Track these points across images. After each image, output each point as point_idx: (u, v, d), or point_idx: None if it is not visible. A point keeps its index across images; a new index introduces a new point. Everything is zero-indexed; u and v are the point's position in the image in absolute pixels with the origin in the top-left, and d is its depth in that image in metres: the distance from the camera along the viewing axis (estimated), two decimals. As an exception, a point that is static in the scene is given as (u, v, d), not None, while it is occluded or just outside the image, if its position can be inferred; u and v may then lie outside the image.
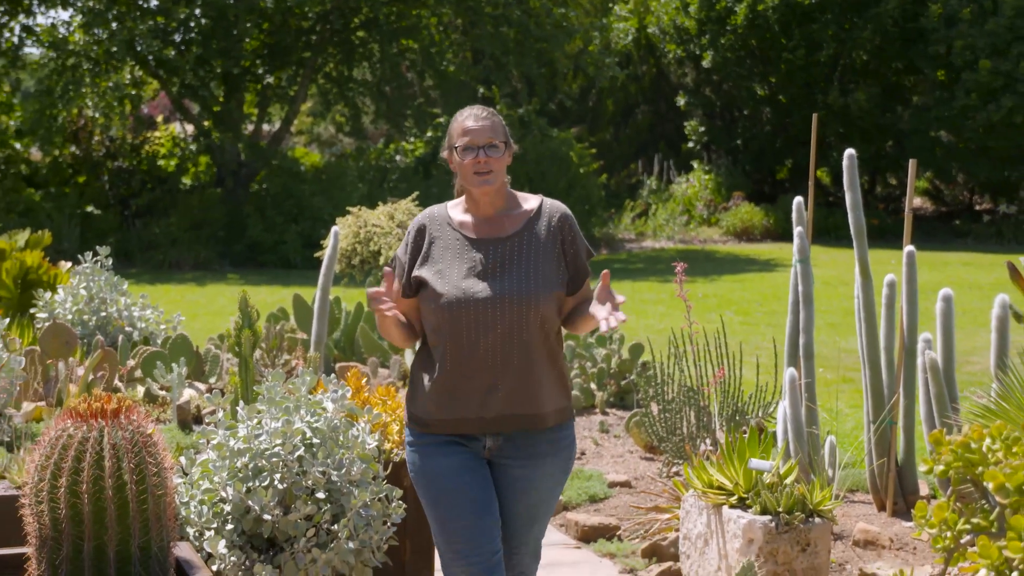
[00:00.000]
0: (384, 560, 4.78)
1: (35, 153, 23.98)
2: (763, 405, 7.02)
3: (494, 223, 3.96)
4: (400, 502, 4.75)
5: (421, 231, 4.00)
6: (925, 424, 6.12)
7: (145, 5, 22.14)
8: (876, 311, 6.23)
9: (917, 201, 26.41)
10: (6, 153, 22.88)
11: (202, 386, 7.85)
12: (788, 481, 5.13)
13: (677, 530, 5.75)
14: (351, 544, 4.56)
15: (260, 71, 23.65)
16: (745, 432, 5.98)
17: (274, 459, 4.52)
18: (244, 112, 23.94)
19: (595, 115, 28.75)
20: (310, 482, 4.52)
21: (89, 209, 22.11)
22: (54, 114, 21.70)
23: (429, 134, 23.12)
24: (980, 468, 3.51)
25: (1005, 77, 21.93)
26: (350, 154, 24.24)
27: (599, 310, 3.79)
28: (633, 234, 24.63)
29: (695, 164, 26.73)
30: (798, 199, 6.44)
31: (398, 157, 23.59)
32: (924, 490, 6.47)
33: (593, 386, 9.01)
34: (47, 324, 7.65)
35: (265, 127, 25.77)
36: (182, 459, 4.73)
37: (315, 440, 4.58)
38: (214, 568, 4.48)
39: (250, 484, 4.50)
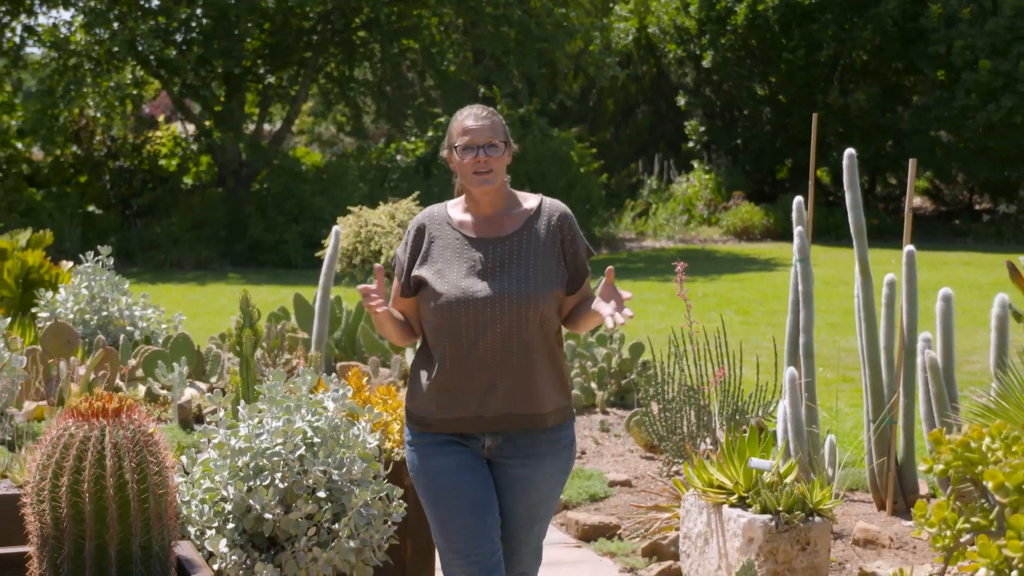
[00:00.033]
0: (385, 559, 4.78)
1: (37, 153, 23.99)
2: (763, 404, 7.03)
3: (494, 222, 3.96)
4: (401, 501, 4.76)
5: (421, 230, 4.00)
6: (925, 423, 6.13)
7: (146, 5, 22.16)
8: (876, 310, 6.24)
9: (917, 201, 26.41)
10: (8, 153, 22.90)
11: (203, 385, 7.85)
12: (788, 480, 5.14)
13: (677, 529, 5.76)
14: (352, 543, 4.57)
15: (261, 71, 23.66)
16: (745, 431, 5.98)
17: (275, 458, 4.53)
18: (245, 112, 23.96)
19: (595, 115, 28.76)
20: (311, 481, 4.53)
21: (90, 209, 22.12)
22: (55, 114, 21.71)
23: (430, 134, 23.14)
24: (980, 467, 3.52)
25: (1005, 77, 21.94)
26: (351, 154, 24.25)
27: (603, 307, 3.79)
28: (633, 234, 24.64)
29: (695, 164, 26.73)
30: (798, 199, 6.44)
31: (399, 157, 23.61)
32: (924, 489, 6.48)
33: (593, 385, 9.02)
34: (48, 323, 7.66)
35: (266, 127, 25.78)
36: (183, 458, 4.74)
37: (316, 439, 4.59)
38: (215, 567, 4.49)
39: (251, 483, 4.51)
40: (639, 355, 9.15)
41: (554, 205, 4.01)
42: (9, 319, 7.35)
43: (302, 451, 4.54)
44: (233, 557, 4.48)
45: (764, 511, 5.02)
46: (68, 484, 3.69)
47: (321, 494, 4.51)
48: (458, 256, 3.92)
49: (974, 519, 3.46)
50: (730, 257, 21.43)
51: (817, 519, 5.02)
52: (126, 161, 23.31)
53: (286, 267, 20.68)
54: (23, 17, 22.63)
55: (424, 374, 3.93)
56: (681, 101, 27.07)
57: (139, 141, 23.86)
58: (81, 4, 21.92)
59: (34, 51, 25.76)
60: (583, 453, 7.76)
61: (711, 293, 16.22)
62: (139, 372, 7.77)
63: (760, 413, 7.00)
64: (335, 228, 8.37)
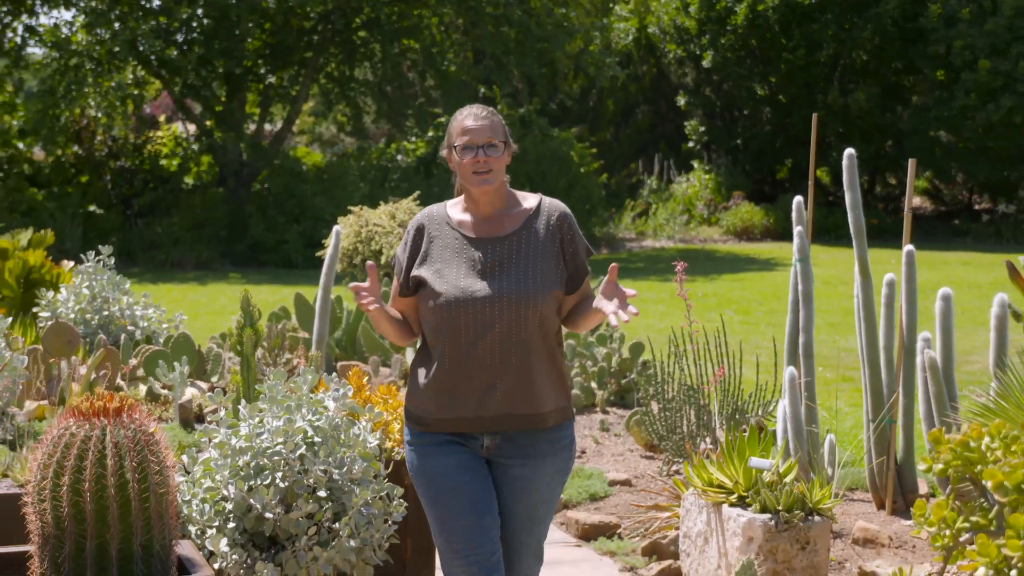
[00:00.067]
0: (385, 558, 4.80)
1: (38, 153, 24.01)
2: (763, 404, 7.04)
3: (493, 222, 3.96)
4: (401, 500, 4.77)
5: (420, 230, 4.00)
6: (924, 423, 6.13)
7: (147, 5, 22.17)
8: (875, 310, 6.25)
9: (916, 201, 26.41)
10: (9, 153, 22.92)
11: (204, 385, 7.86)
12: (788, 479, 5.15)
13: (677, 528, 5.77)
14: (352, 542, 4.58)
15: (262, 71, 23.68)
16: (745, 431, 6.00)
17: (276, 457, 4.54)
18: (246, 112, 23.97)
19: (596, 115, 28.77)
20: (311, 480, 4.53)
21: (91, 209, 22.14)
22: (57, 114, 21.73)
23: (430, 134, 23.15)
24: (979, 467, 3.53)
25: (1004, 77, 21.94)
26: (351, 154, 24.26)
27: (606, 304, 3.79)
28: (633, 233, 24.65)
29: (695, 164, 26.74)
30: (798, 198, 6.45)
31: (399, 157, 23.62)
32: (923, 488, 6.49)
33: (593, 385, 9.03)
34: (50, 323, 7.67)
35: (267, 127, 25.79)
36: (184, 458, 4.75)
37: (316, 439, 4.59)
38: (216, 566, 4.50)
39: (252, 482, 4.52)
40: (639, 355, 9.16)
41: (553, 205, 4.01)
42: (10, 319, 7.36)
43: (303, 450, 4.55)
44: (234, 556, 4.49)
45: (764, 510, 5.03)
46: (69, 483, 3.69)
47: (322, 493, 4.52)
48: (457, 256, 3.92)
49: (973, 518, 3.47)
50: (730, 257, 21.44)
51: (817, 518, 5.03)
52: (127, 161, 23.32)
53: (287, 267, 20.69)
54: (24, 17, 22.65)
55: (423, 374, 3.93)
56: (681, 101, 27.08)
57: (140, 141, 23.88)
58: (82, 4, 21.94)
59: (35, 51, 25.80)
60: (583, 452, 7.76)
61: (711, 293, 16.23)
62: (140, 372, 7.78)
63: (760, 413, 7.01)
64: (336, 228, 8.38)
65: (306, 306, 9.52)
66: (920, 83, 25.21)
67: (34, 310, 8.88)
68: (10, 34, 22.43)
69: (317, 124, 32.55)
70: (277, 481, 4.50)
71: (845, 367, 10.36)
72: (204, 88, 22.37)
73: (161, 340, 8.53)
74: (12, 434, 5.89)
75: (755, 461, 5.17)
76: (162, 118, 26.80)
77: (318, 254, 13.37)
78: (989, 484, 3.41)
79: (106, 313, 8.62)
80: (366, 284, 3.86)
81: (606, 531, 6.27)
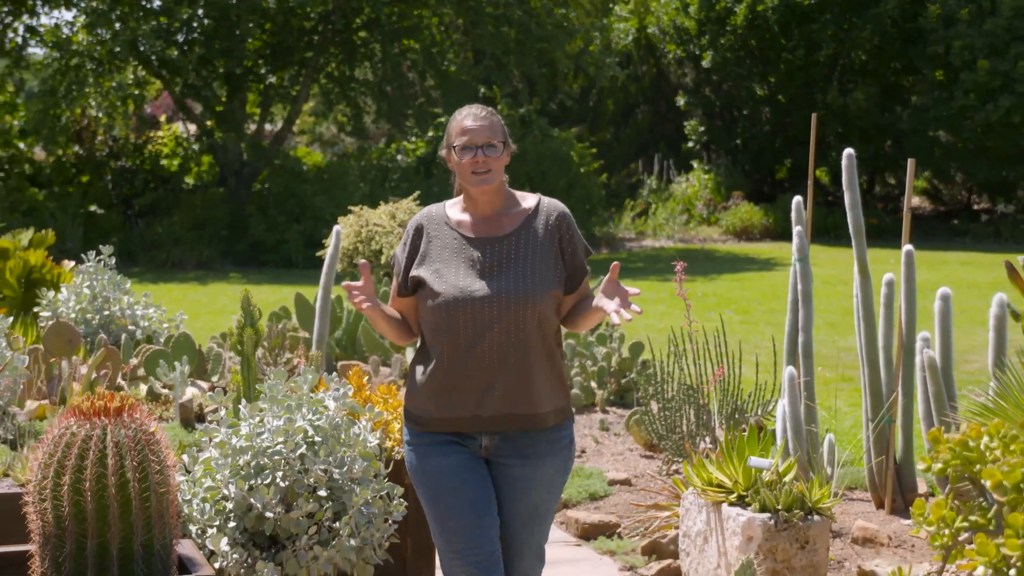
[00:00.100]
0: (385, 558, 4.80)
1: (39, 153, 24.02)
2: (762, 403, 7.05)
3: (492, 222, 3.96)
4: (401, 500, 4.78)
5: (419, 230, 4.01)
6: (923, 422, 6.14)
7: (148, 5, 22.19)
8: (875, 310, 6.26)
9: (915, 201, 26.42)
10: (10, 153, 22.93)
11: (204, 384, 7.87)
12: (787, 479, 5.16)
13: (677, 528, 5.78)
14: (353, 542, 4.59)
15: (262, 71, 23.68)
16: (744, 430, 6.01)
17: (276, 457, 4.55)
18: (247, 112, 23.98)
19: (595, 115, 28.78)
20: (312, 480, 4.54)
21: (92, 208, 22.14)
22: (57, 114, 21.75)
23: (430, 134, 23.16)
24: (978, 466, 3.53)
25: (1003, 77, 21.95)
26: (352, 154, 24.27)
27: (607, 303, 3.79)
28: (633, 233, 24.66)
29: (695, 164, 26.75)
30: (797, 198, 6.46)
31: (399, 157, 23.63)
32: (922, 488, 6.50)
33: (593, 384, 9.04)
34: (50, 323, 7.68)
35: (267, 127, 25.80)
36: (184, 457, 4.76)
37: (317, 438, 4.60)
38: (216, 565, 4.51)
39: (252, 482, 4.53)
40: (639, 354, 9.17)
41: (552, 204, 4.01)
42: (11, 318, 7.37)
43: (303, 450, 4.56)
44: (234, 555, 4.50)
45: (763, 510, 5.04)
46: (70, 483, 3.70)
47: (322, 493, 4.53)
48: (456, 256, 3.92)
49: (972, 518, 3.48)
50: (729, 257, 21.45)
51: (816, 518, 5.04)
52: (128, 161, 23.33)
53: (287, 267, 20.70)
54: (25, 18, 22.67)
55: (422, 373, 3.93)
56: (681, 101, 27.09)
57: (141, 141, 23.89)
58: (83, 4, 21.95)
59: (36, 51, 25.82)
60: (583, 452, 7.77)
61: (710, 293, 16.24)
62: (141, 371, 7.79)
63: (759, 412, 7.02)
64: (336, 228, 8.39)
65: (306, 306, 9.53)
66: (919, 83, 25.22)
67: (35, 310, 8.88)
68: (11, 34, 22.45)
69: (317, 124, 32.56)
70: (277, 480, 4.51)
71: (844, 367, 10.37)
72: (205, 88, 22.38)
73: (162, 340, 8.54)
74: (13, 433, 5.90)
75: (754, 460, 5.18)
76: (163, 118, 26.82)
77: (318, 254, 13.38)
78: (988, 483, 3.41)
79: (107, 313, 8.63)
80: (359, 283, 3.86)
81: (606, 530, 6.28)
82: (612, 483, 6.97)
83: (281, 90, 23.97)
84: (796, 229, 6.34)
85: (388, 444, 5.16)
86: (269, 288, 17.28)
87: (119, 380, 7.32)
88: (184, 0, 21.35)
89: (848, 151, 6.17)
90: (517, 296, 3.84)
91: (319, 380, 5.01)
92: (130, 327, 8.62)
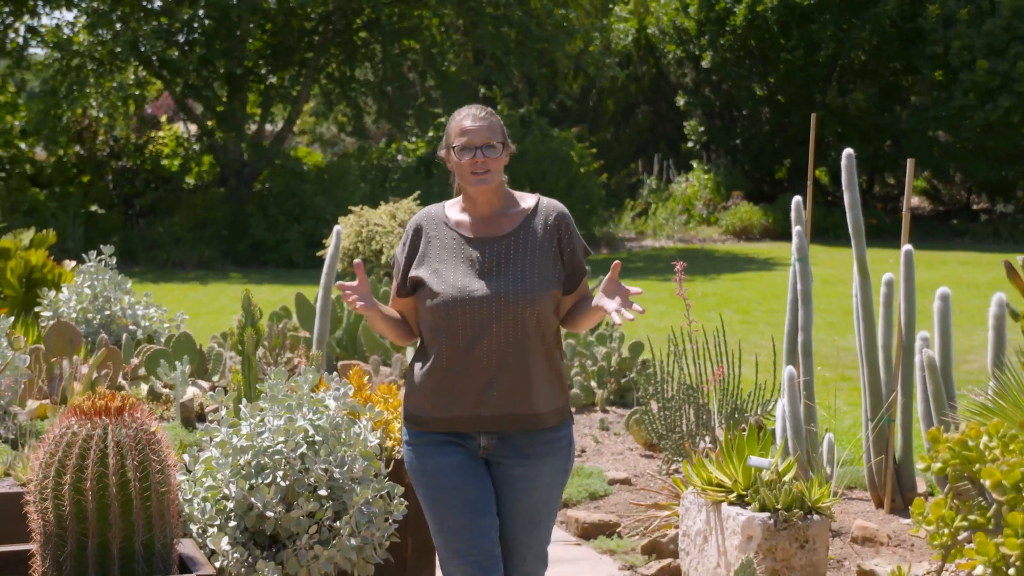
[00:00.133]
0: (386, 557, 4.81)
1: (40, 153, 24.03)
2: (762, 403, 7.06)
3: (491, 222, 3.96)
4: (402, 499, 4.79)
5: (418, 231, 4.01)
6: (923, 422, 6.15)
7: (149, 6, 22.20)
8: (874, 310, 6.27)
9: (915, 200, 26.43)
10: (11, 153, 22.95)
11: (205, 384, 7.88)
12: (787, 478, 5.16)
13: (677, 527, 5.79)
14: (353, 541, 4.60)
15: (263, 71, 23.70)
16: (744, 430, 6.01)
17: (277, 456, 4.55)
18: (247, 112, 23.99)
19: (595, 115, 28.78)
20: (312, 479, 4.55)
21: (93, 208, 22.16)
22: (58, 114, 21.77)
23: (431, 134, 23.18)
24: (977, 465, 3.54)
25: (1002, 77, 21.96)
26: (352, 154, 24.28)
27: (608, 302, 3.79)
28: (633, 233, 24.67)
29: (695, 164, 26.76)
30: (797, 198, 6.47)
31: (400, 157, 23.64)
32: (922, 487, 6.50)
33: (593, 384, 9.04)
34: (51, 323, 7.68)
35: (268, 127, 25.81)
36: (185, 456, 4.77)
37: (317, 438, 4.61)
38: (217, 565, 4.51)
39: (253, 481, 4.54)
40: (639, 354, 9.18)
41: (551, 205, 4.01)
42: (12, 318, 7.38)
43: (303, 449, 4.57)
44: (235, 555, 4.51)
45: (763, 509, 5.04)
46: (71, 482, 3.71)
47: (322, 492, 4.53)
48: (455, 256, 3.92)
49: (972, 517, 3.48)
50: (729, 257, 21.46)
51: (815, 517, 5.05)
52: (128, 161, 23.34)
53: (288, 266, 20.71)
54: (26, 18, 22.68)
55: (421, 373, 3.93)
56: (680, 101, 27.09)
57: (141, 141, 23.90)
58: (84, 5, 21.97)
59: (37, 52, 25.83)
60: (583, 451, 7.78)
61: (710, 292, 16.24)
62: (141, 371, 7.80)
63: (759, 412, 7.03)
64: (336, 228, 8.40)
65: (307, 305, 9.54)
66: (918, 83, 25.23)
67: (36, 309, 8.89)
68: (12, 35, 22.48)
69: (318, 124, 32.57)
70: (278, 480, 4.52)
71: (844, 366, 10.38)
72: (205, 88, 22.40)
73: (162, 339, 8.55)
74: (14, 433, 5.91)
75: (754, 460, 5.18)
76: (163, 118, 26.83)
77: (319, 254, 13.39)
78: (987, 483, 3.42)
79: (108, 312, 8.64)
80: (353, 283, 3.87)
81: (606, 530, 6.28)
82: (612, 482, 6.97)
83: (282, 90, 23.98)
84: (796, 229, 6.35)
85: (388, 444, 5.17)
86: (270, 288, 17.29)
87: (120, 380, 7.33)
88: (185, 0, 21.36)
89: (847, 151, 6.18)
90: (516, 296, 3.84)
91: (319, 380, 5.02)
92: (131, 327, 8.63)
